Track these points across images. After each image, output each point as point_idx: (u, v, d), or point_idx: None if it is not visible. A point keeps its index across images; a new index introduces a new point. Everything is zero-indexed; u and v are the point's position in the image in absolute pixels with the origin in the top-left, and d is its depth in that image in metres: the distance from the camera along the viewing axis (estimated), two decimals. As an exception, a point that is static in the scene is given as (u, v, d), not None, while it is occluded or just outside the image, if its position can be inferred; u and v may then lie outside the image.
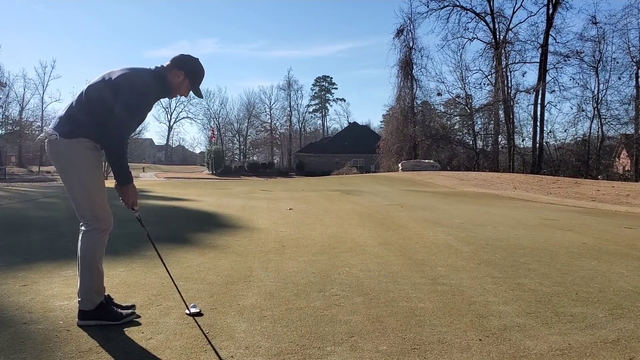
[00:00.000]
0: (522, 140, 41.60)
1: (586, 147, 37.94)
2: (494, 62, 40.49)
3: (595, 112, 37.59)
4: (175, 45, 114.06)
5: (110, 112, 2.57)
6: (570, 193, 15.78)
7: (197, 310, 2.86)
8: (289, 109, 78.87)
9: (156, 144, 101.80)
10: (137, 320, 2.72)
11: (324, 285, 3.57)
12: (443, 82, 47.15)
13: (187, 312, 2.83)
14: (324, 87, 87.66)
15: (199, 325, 2.66)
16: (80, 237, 2.66)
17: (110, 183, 2.69)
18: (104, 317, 2.62)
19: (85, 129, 2.59)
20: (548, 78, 37.98)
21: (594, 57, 37.66)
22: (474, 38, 41.37)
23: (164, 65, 2.81)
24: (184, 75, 2.81)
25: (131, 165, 2.81)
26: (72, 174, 2.62)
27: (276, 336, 2.54)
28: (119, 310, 2.72)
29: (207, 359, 2.26)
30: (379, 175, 30.07)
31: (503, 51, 39.95)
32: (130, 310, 2.74)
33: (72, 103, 2.67)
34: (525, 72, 51.46)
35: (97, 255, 2.65)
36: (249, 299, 3.19)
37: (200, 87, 2.92)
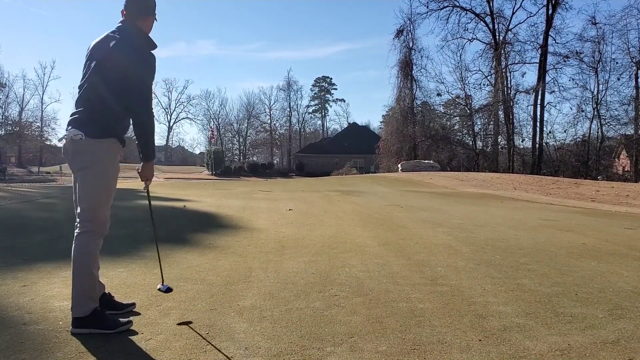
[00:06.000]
0: (522, 141, 41.70)
1: (586, 147, 37.96)
2: (494, 63, 40.60)
3: (595, 113, 37.68)
4: (172, 46, 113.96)
5: (131, 95, 2.62)
6: (570, 194, 15.79)
7: (168, 287, 3.01)
8: (288, 109, 78.97)
9: (156, 144, 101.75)
10: (136, 320, 2.71)
11: (324, 285, 3.57)
12: (443, 82, 47.47)
13: (159, 287, 3.01)
14: (323, 87, 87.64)
15: (195, 329, 2.66)
16: (74, 239, 2.61)
17: (121, 183, 2.70)
18: (97, 325, 2.54)
19: (112, 128, 2.65)
20: (548, 78, 38.13)
21: (593, 57, 37.77)
22: (474, 39, 41.51)
23: (128, 21, 2.75)
24: (147, 14, 2.79)
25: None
26: (92, 174, 2.62)
27: (276, 337, 2.54)
28: (116, 317, 2.67)
29: (207, 360, 2.26)
30: (379, 175, 30.08)
31: (503, 52, 40.04)
32: (127, 319, 2.67)
33: (87, 97, 2.65)
34: (524, 73, 51.52)
35: (92, 257, 2.60)
36: (249, 299, 3.19)
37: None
